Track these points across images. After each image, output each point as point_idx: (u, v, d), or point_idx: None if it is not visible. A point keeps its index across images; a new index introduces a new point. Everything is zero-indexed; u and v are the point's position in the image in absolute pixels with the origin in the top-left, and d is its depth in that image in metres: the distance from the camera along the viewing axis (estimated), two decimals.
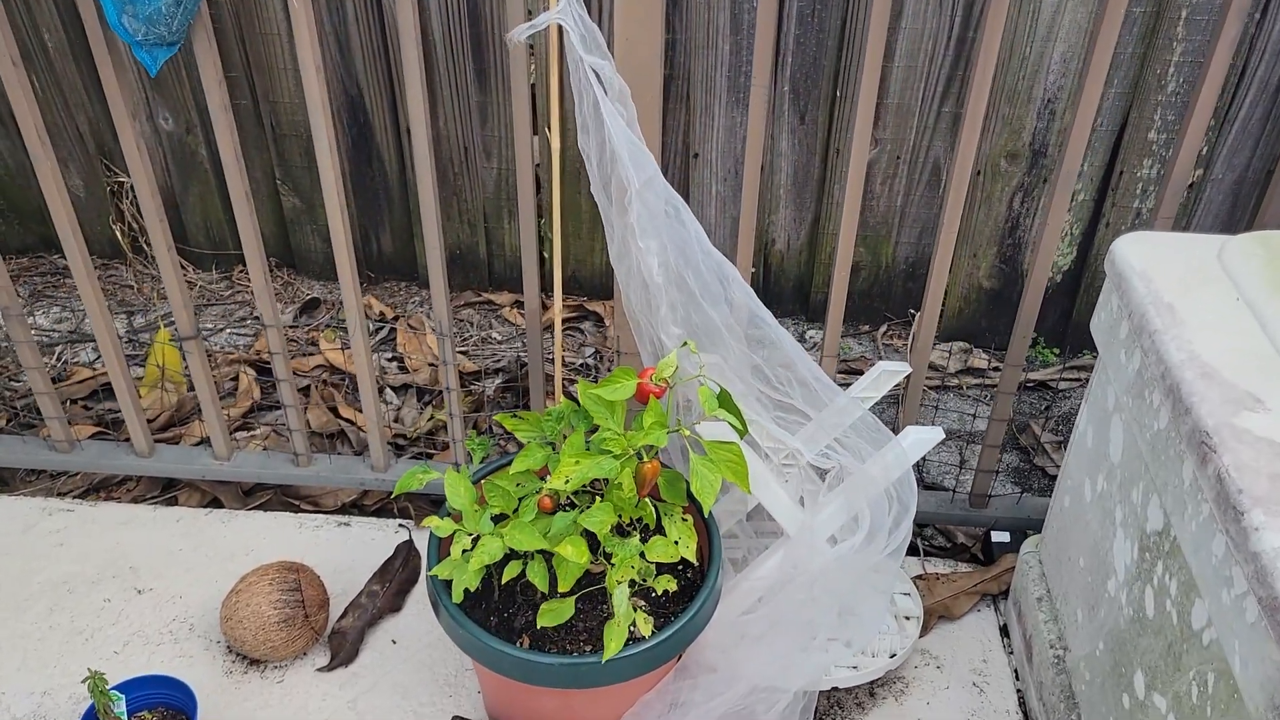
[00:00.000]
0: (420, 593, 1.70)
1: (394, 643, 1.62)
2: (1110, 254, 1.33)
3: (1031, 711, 1.55)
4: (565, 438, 1.34)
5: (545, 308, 2.44)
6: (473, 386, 2.17)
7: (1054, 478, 2.05)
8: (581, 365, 2.25)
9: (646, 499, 1.28)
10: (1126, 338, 1.28)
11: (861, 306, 2.36)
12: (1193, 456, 1.06)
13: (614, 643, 1.21)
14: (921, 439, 1.42)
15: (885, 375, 1.55)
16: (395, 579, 1.70)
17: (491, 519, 1.30)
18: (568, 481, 1.24)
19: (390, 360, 2.25)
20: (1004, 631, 1.70)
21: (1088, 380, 2.29)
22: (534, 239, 1.58)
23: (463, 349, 2.29)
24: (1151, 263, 1.28)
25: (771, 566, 1.48)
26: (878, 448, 1.43)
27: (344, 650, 1.59)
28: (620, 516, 1.28)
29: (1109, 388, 1.37)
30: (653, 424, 1.26)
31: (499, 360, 2.27)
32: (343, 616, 1.64)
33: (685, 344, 1.32)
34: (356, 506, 1.88)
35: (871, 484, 1.42)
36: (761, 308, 1.35)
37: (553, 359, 2.21)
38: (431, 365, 2.21)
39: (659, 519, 1.32)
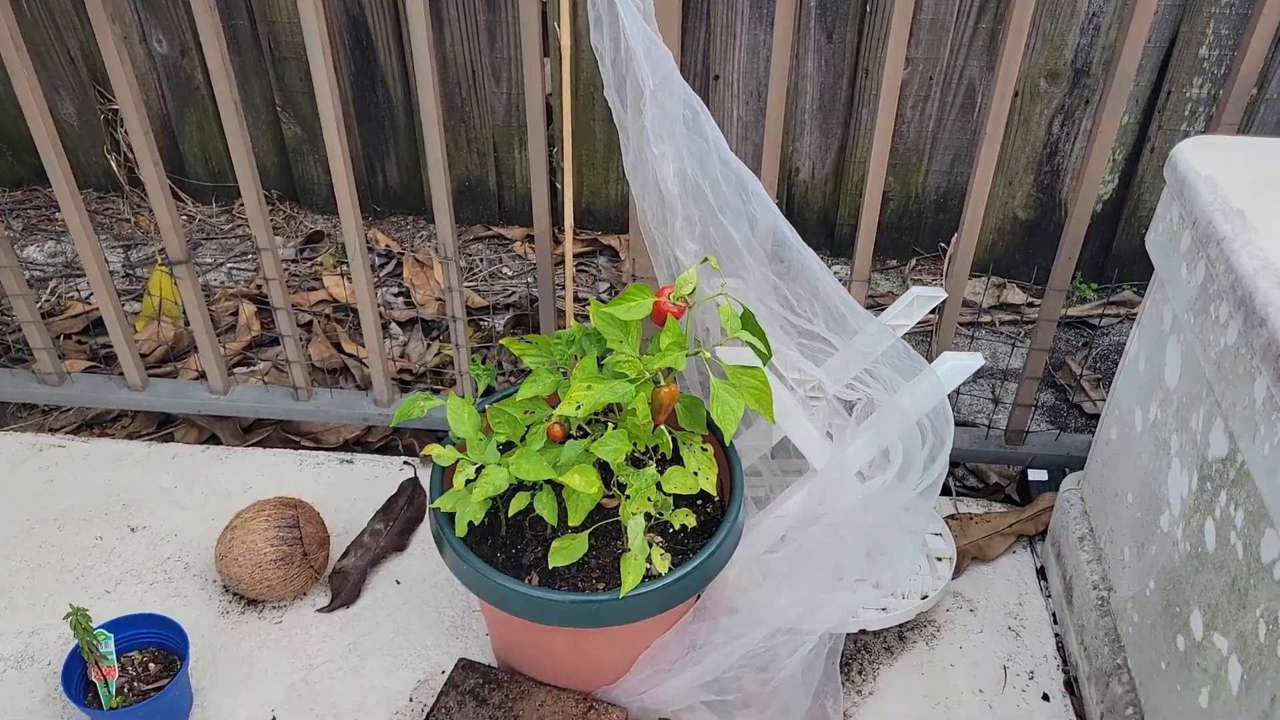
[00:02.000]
0: (425, 532, 1.62)
1: (398, 583, 1.54)
2: (1171, 159, 1.21)
3: (1071, 656, 1.46)
4: (577, 362, 1.25)
5: (557, 241, 2.34)
6: (482, 321, 2.07)
7: (1092, 416, 1.95)
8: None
9: (663, 427, 1.19)
10: (1188, 250, 1.17)
11: (889, 240, 2.25)
12: (1268, 372, 0.96)
13: (630, 577, 1.13)
14: (959, 366, 1.32)
15: (919, 301, 1.45)
16: (399, 517, 1.62)
17: (498, 448, 1.21)
18: (579, 407, 1.15)
19: (396, 295, 2.16)
20: (1041, 574, 1.60)
21: (1128, 317, 2.18)
22: (544, 165, 1.48)
23: (472, 284, 2.19)
24: (1217, 167, 1.17)
25: (796, 503, 1.39)
26: (909, 378, 1.33)
27: (345, 590, 1.52)
28: (635, 445, 1.18)
29: (1165, 307, 1.26)
30: (670, 345, 1.17)
31: (510, 295, 2.17)
32: (344, 555, 1.56)
33: (705, 260, 1.22)
34: (360, 443, 1.79)
35: (904, 415, 1.32)
36: (786, 225, 1.25)
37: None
38: (439, 300, 2.12)
39: (676, 448, 1.23)
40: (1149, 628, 1.25)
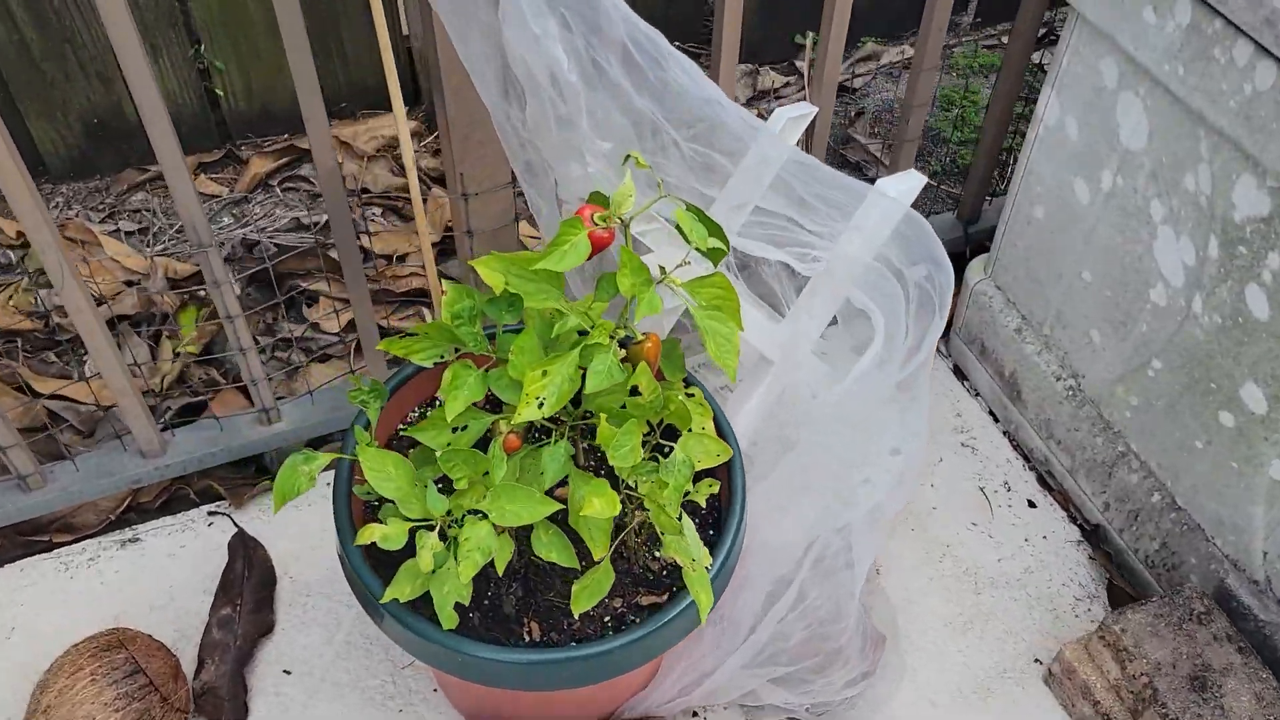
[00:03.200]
0: (291, 594, 1.24)
1: (287, 674, 1.17)
2: None
3: (1035, 453, 1.38)
4: (488, 343, 0.92)
5: (239, 160, 1.85)
6: (200, 290, 1.60)
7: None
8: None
9: (674, 391, 0.90)
10: None
11: None
12: None
13: (704, 595, 0.86)
14: (906, 189, 1.11)
15: (791, 124, 1.20)
16: (245, 590, 1.22)
17: (436, 486, 0.88)
18: (542, 404, 0.84)
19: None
20: (957, 374, 1.49)
21: (882, 72, 2.06)
22: (306, 50, 1.07)
23: (159, 246, 1.69)
24: None
25: (754, 407, 1.15)
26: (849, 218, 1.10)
27: (226, 712, 1.13)
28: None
29: (1105, 60, 1.10)
30: (637, 285, 0.87)
31: (221, 249, 1.69)
32: (200, 670, 1.16)
33: (629, 157, 0.90)
34: (133, 509, 1.34)
35: (854, 262, 1.10)
36: (710, 83, 0.95)
37: (364, 230, 1.68)
38: (129, 283, 1.61)
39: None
40: (1163, 409, 1.16)
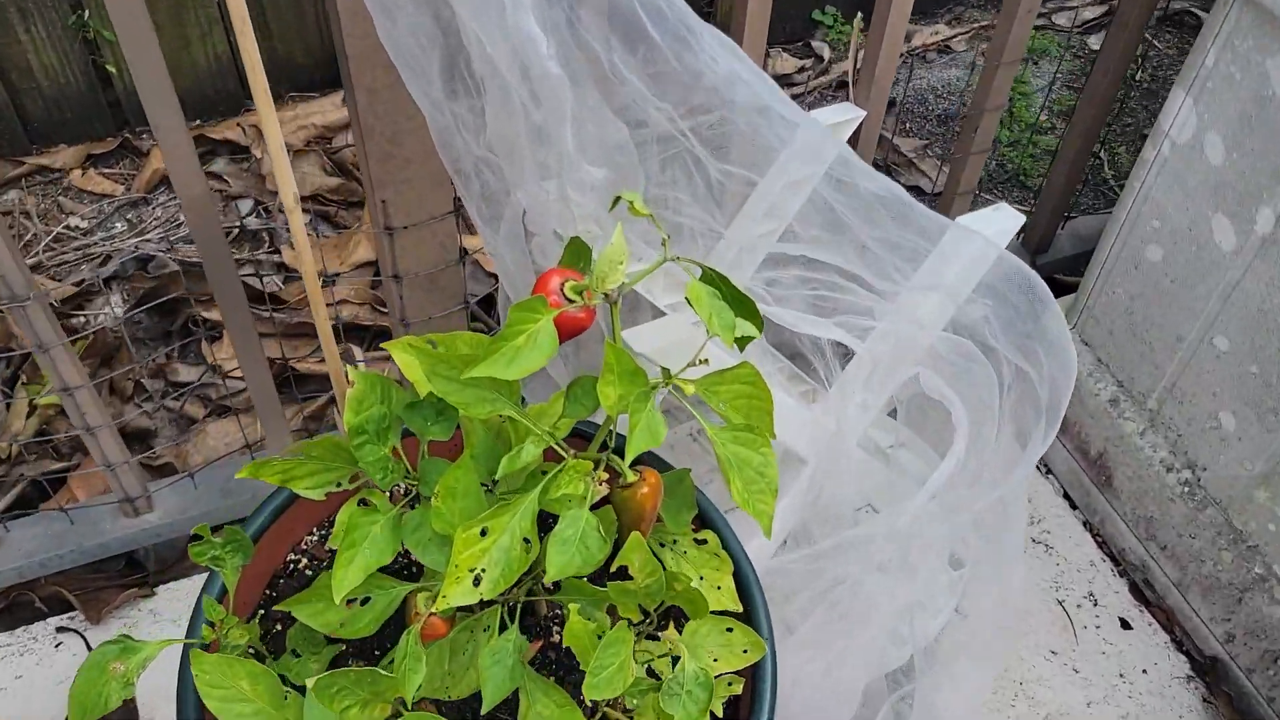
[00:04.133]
0: None
1: None
2: None
3: (1125, 554, 1.08)
4: (406, 467, 0.62)
5: (138, 152, 1.52)
6: (77, 319, 1.29)
7: (939, 196, 1.53)
8: (239, 231, 1.41)
9: (679, 572, 0.59)
10: None
11: None
12: None
13: None
14: (997, 231, 0.81)
15: (833, 130, 0.90)
16: None
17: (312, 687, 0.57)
18: (479, 580, 0.54)
19: None
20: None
21: (913, 54, 1.76)
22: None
23: (32, 258, 1.37)
24: None
25: (780, 523, 0.85)
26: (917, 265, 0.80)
27: None
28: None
29: (1276, 60, 0.80)
30: (630, 398, 0.56)
31: (103, 262, 1.38)
32: None
33: (619, 199, 0.59)
34: None
35: (923, 330, 0.79)
36: (769, 85, 0.64)
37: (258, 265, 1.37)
38: None
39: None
40: None
